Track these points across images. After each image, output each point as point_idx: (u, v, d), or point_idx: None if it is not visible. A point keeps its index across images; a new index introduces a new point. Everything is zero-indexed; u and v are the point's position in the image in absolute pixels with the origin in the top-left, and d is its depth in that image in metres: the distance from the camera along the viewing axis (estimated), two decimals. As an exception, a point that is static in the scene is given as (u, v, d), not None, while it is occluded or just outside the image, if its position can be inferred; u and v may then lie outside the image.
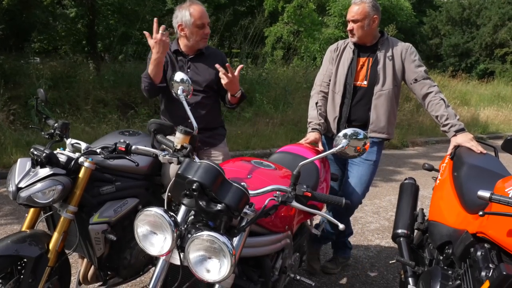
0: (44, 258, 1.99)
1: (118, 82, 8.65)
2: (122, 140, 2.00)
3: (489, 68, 23.88)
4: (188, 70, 2.75)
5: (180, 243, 1.51)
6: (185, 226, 1.56)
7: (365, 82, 2.90)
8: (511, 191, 1.62)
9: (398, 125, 9.70)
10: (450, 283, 1.77)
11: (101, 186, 2.18)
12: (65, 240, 2.08)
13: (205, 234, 1.40)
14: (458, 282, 1.72)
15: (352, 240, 3.59)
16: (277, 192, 1.64)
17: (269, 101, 9.72)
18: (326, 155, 1.72)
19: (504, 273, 1.40)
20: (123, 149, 1.97)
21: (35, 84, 7.47)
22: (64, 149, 2.14)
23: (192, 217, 1.59)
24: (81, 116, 7.25)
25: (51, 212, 2.14)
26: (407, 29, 20.99)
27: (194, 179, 1.46)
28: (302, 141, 2.87)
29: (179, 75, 2.16)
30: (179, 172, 1.52)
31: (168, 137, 2.02)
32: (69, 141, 2.20)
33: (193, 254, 1.44)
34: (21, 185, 1.92)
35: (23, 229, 2.10)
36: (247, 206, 1.57)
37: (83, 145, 2.15)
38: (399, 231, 2.42)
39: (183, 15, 2.65)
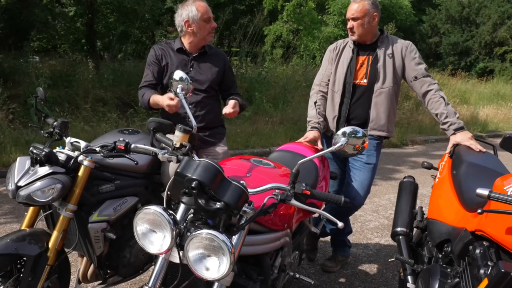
0: (44, 257, 2.00)
1: (117, 81, 8.65)
2: (121, 139, 2.00)
3: (488, 67, 23.87)
4: (191, 69, 2.76)
5: (180, 241, 1.51)
6: (185, 224, 1.56)
7: (365, 80, 2.90)
8: (509, 189, 1.63)
9: (398, 123, 9.71)
10: (449, 280, 1.78)
11: (101, 185, 2.18)
12: (65, 239, 2.08)
13: (204, 232, 1.40)
14: (457, 279, 1.72)
15: (351, 238, 3.60)
16: (276, 190, 1.64)
17: (268, 100, 9.72)
18: (325, 153, 1.72)
19: (503, 270, 1.40)
20: (123, 148, 1.97)
21: (34, 83, 7.47)
22: (63, 148, 2.14)
23: (192, 215, 1.59)
24: (81, 115, 7.24)
25: (50, 211, 2.14)
26: (407, 28, 20.99)
27: (193, 177, 1.46)
28: (302, 139, 2.87)
29: (178, 74, 2.16)
30: (178, 170, 1.52)
31: (167, 135, 2.02)
32: (68, 139, 2.20)
33: (192, 252, 1.44)
34: (21, 183, 1.92)
35: (23, 227, 2.10)
36: (246, 204, 1.57)
37: (83, 144, 2.15)
38: (398, 229, 2.42)
39: (190, 11, 2.66)
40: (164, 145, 1.96)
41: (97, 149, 2.01)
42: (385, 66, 2.85)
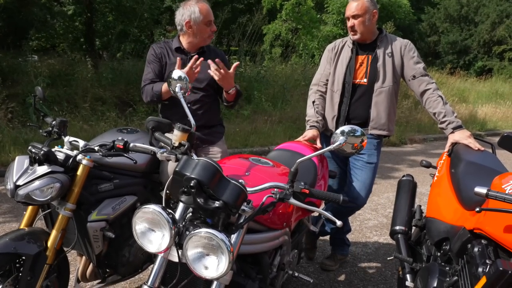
0: (43, 256, 2.00)
1: (116, 80, 8.64)
2: (120, 138, 2.00)
3: (487, 65, 23.91)
4: None
5: (178, 240, 1.51)
6: (183, 223, 1.57)
7: (365, 80, 2.89)
8: (508, 188, 1.63)
9: (397, 122, 9.68)
10: (448, 279, 1.78)
11: (99, 184, 2.18)
12: (64, 238, 2.08)
13: (203, 231, 1.40)
14: (455, 278, 1.73)
15: (350, 237, 3.60)
16: (275, 189, 1.65)
17: (267, 99, 9.72)
18: (323, 152, 1.72)
19: (501, 268, 1.40)
20: (121, 147, 1.97)
21: (33, 82, 7.47)
22: (62, 147, 2.14)
23: (190, 214, 1.59)
24: (79, 114, 7.24)
25: (49, 210, 2.14)
26: (405, 27, 21.00)
27: (192, 176, 1.46)
28: (300, 138, 2.87)
29: (177, 73, 2.15)
30: (177, 169, 1.52)
31: (166, 134, 2.02)
32: (67, 138, 2.20)
33: (191, 251, 1.44)
34: (19, 182, 1.92)
35: (21, 226, 2.10)
36: (245, 203, 1.57)
37: (81, 143, 2.15)
38: (397, 227, 2.43)
39: (192, 12, 2.64)
40: (163, 144, 1.96)
41: (96, 148, 2.01)
42: (384, 65, 2.85)
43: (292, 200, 1.62)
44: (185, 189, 1.49)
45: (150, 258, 2.46)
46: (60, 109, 7.24)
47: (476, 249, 1.63)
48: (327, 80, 3.03)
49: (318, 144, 2.87)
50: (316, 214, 2.79)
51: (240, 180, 1.53)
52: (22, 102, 7.16)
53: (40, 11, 10.18)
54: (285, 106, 9.71)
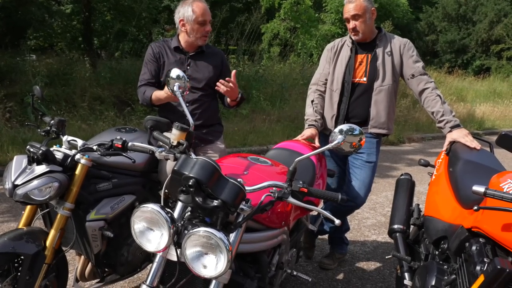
0: (41, 255, 1.99)
1: (114, 79, 8.63)
2: (118, 137, 2.00)
3: (485, 64, 23.94)
4: (188, 67, 2.75)
5: (177, 239, 1.51)
6: (182, 222, 1.57)
7: (364, 79, 2.89)
8: (505, 186, 1.64)
9: (395, 121, 9.71)
10: (446, 277, 1.78)
11: (98, 183, 2.18)
12: (62, 237, 2.08)
13: (202, 230, 1.41)
14: (453, 276, 1.73)
15: (348, 236, 3.61)
16: (274, 188, 1.65)
17: (266, 98, 9.72)
18: (322, 151, 1.73)
19: (499, 267, 1.41)
20: (120, 146, 1.97)
21: (31, 81, 7.45)
22: (60, 146, 2.14)
23: (189, 213, 1.60)
24: (78, 113, 7.23)
25: (48, 210, 2.14)
26: (404, 26, 21.00)
27: (191, 175, 1.46)
28: (299, 137, 2.87)
29: (175, 72, 2.15)
30: (175, 168, 1.52)
31: (164, 133, 2.02)
32: (65, 138, 2.20)
33: (190, 250, 1.45)
34: (18, 182, 1.92)
35: (20, 226, 2.10)
36: (244, 202, 1.57)
37: (80, 142, 2.15)
38: (395, 226, 2.43)
39: (185, 11, 2.65)
40: (161, 143, 1.96)
41: (94, 147, 2.01)
42: (384, 64, 2.85)
43: (291, 199, 1.62)
44: (184, 188, 1.49)
45: (149, 257, 2.46)
46: (58, 109, 7.23)
47: (474, 248, 1.63)
48: (326, 80, 3.03)
49: (317, 143, 2.87)
50: (314, 213, 2.80)
51: (238, 179, 1.54)
52: (20, 102, 7.14)
53: (38, 10, 10.16)
54: (283, 105, 9.71)
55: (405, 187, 2.67)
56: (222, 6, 14.11)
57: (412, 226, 2.55)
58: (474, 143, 2.46)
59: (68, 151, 2.10)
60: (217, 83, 2.53)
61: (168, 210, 1.50)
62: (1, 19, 9.77)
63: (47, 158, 1.95)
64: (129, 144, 1.98)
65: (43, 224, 2.25)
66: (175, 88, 2.11)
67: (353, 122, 2.83)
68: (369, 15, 2.78)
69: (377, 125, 2.93)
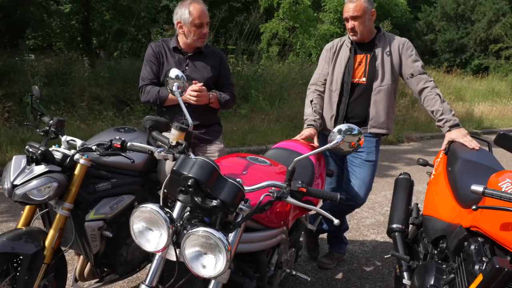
0: (40, 255, 1.99)
1: (113, 79, 8.61)
2: (117, 137, 2.00)
3: (483, 64, 23.95)
4: (186, 67, 2.75)
5: (176, 239, 1.52)
6: (181, 222, 1.57)
7: (364, 79, 2.89)
8: (504, 185, 1.64)
9: (394, 120, 9.75)
10: (444, 276, 1.79)
11: (97, 183, 2.18)
12: (61, 237, 2.08)
13: (201, 230, 1.41)
14: (452, 275, 1.74)
15: (347, 235, 3.61)
16: (273, 188, 1.65)
17: (264, 98, 9.72)
18: (321, 150, 1.73)
19: (497, 266, 1.41)
20: (119, 146, 1.97)
21: (30, 81, 7.43)
22: (59, 146, 2.14)
23: (188, 213, 1.60)
24: (77, 113, 7.22)
25: (47, 209, 2.14)
26: (402, 25, 21.02)
27: (190, 175, 1.46)
28: (298, 137, 2.87)
29: (174, 72, 2.15)
30: (174, 168, 1.53)
31: (163, 133, 2.02)
32: (64, 138, 2.20)
33: (189, 250, 1.45)
34: (17, 182, 1.92)
35: (19, 226, 2.10)
36: (243, 202, 1.57)
37: (79, 142, 2.15)
38: (394, 226, 2.43)
39: (183, 13, 2.64)
40: (160, 143, 1.96)
41: (93, 147, 2.01)
42: (383, 64, 2.85)
43: (290, 199, 1.63)
44: (183, 188, 1.49)
45: (148, 257, 2.46)
46: (57, 108, 7.22)
47: (472, 247, 1.64)
48: (325, 80, 3.03)
49: (316, 143, 2.88)
50: (313, 212, 2.80)
51: (237, 179, 1.54)
52: (19, 102, 7.13)
53: (36, 10, 10.13)
54: (282, 105, 9.71)
55: (404, 187, 2.67)
56: (221, 6, 14.11)
57: (411, 226, 2.56)
58: (473, 143, 2.47)
59: (67, 151, 2.10)
60: (187, 96, 2.57)
61: (167, 210, 1.50)
62: (0, 19, 9.76)
63: (46, 158, 1.95)
64: (128, 144, 1.98)
65: (42, 224, 2.24)
66: (174, 88, 2.11)
67: (352, 122, 2.83)
68: (369, 16, 2.78)
69: (376, 125, 2.93)
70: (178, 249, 1.51)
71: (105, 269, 2.36)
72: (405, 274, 2.22)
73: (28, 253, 1.95)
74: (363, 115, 2.94)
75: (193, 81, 2.62)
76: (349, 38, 2.93)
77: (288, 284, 3.01)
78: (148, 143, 1.98)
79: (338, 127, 1.69)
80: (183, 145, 1.83)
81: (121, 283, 2.89)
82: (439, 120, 2.70)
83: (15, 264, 1.99)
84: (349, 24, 2.81)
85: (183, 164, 1.52)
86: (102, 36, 12.76)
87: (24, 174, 1.94)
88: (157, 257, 1.60)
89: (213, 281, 1.55)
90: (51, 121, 2.23)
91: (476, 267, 1.54)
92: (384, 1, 17.66)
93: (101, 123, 7.03)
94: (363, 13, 2.75)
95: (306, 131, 2.89)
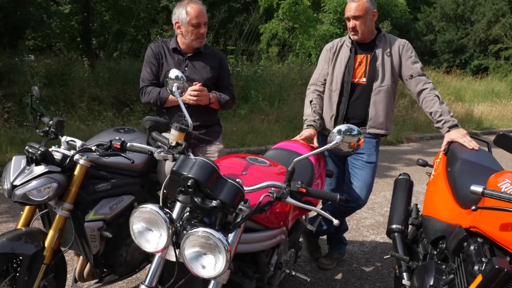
0: (40, 256, 2.00)
1: (113, 80, 8.61)
2: (117, 138, 2.00)
3: (483, 64, 23.96)
4: (186, 68, 2.75)
5: (176, 240, 1.52)
6: (181, 222, 1.57)
7: (364, 79, 2.89)
8: (503, 186, 1.64)
9: (393, 121, 9.75)
10: (444, 277, 1.79)
11: (97, 184, 2.18)
12: (61, 238, 2.08)
13: (201, 230, 1.41)
14: (452, 276, 1.74)
15: (347, 236, 3.61)
16: (272, 188, 1.65)
17: (264, 98, 9.72)
18: (320, 151, 1.73)
19: (496, 266, 1.41)
20: (118, 146, 1.97)
21: (30, 81, 7.43)
22: (59, 147, 2.14)
23: (188, 213, 1.60)
24: (76, 114, 7.22)
25: (46, 210, 2.14)
26: (402, 26, 21.03)
27: (189, 175, 1.46)
28: (297, 137, 2.87)
29: (173, 72, 2.16)
30: (174, 169, 1.53)
31: (163, 134, 2.02)
32: (64, 138, 2.20)
33: (189, 250, 1.45)
34: (16, 182, 1.92)
35: (19, 226, 2.10)
36: (242, 203, 1.57)
37: (78, 143, 2.15)
38: (394, 226, 2.43)
39: (180, 13, 2.65)
40: (160, 144, 1.96)
41: (93, 148, 2.01)
42: (383, 64, 2.86)
43: (289, 199, 1.63)
44: (183, 189, 1.49)
45: (148, 257, 2.46)
46: (57, 109, 7.22)
47: (472, 247, 1.64)
48: (325, 80, 3.03)
49: (315, 143, 2.88)
50: (314, 213, 2.80)
51: (237, 180, 1.54)
52: (19, 102, 7.13)
53: (36, 11, 10.15)
54: (282, 105, 9.71)
55: (404, 187, 2.67)
56: (220, 6, 14.12)
57: (410, 226, 2.56)
58: (472, 143, 2.47)
59: (67, 152, 2.10)
60: (188, 97, 2.58)
61: (167, 210, 1.50)
62: (0, 20, 9.76)
63: (45, 158, 1.95)
64: (128, 144, 1.98)
65: (42, 224, 2.24)
66: (174, 89, 2.12)
67: (352, 123, 2.85)
68: (370, 16, 2.78)
69: (375, 126, 2.93)
70: (178, 250, 1.51)
71: (105, 270, 2.36)
72: (404, 274, 2.22)
73: (28, 253, 1.95)
74: (362, 115, 2.94)
75: (194, 83, 2.62)
76: (350, 38, 2.93)
77: (287, 285, 3.01)
78: (148, 144, 1.98)
79: (337, 127, 1.69)
80: (183, 146, 1.83)
81: (121, 283, 2.88)
82: (438, 121, 2.70)
83: (14, 265, 1.99)
84: (351, 24, 2.81)
85: (183, 164, 1.52)
86: (102, 37, 12.77)
87: (24, 175, 1.94)
88: (156, 257, 1.60)
89: (212, 282, 1.55)
90: (50, 122, 2.24)
91: (476, 267, 1.54)
92: (383, 1, 17.66)
93: (100, 123, 7.03)
94: (365, 13, 2.75)
95: (306, 132, 2.90)
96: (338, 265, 3.41)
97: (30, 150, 1.96)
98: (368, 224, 4.39)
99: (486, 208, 1.57)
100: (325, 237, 3.48)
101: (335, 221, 1.61)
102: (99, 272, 2.33)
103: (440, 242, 2.03)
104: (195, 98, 2.59)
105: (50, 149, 2.04)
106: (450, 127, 2.62)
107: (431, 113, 2.74)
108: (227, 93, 2.87)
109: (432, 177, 2.52)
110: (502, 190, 1.59)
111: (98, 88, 8.14)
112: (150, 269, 1.59)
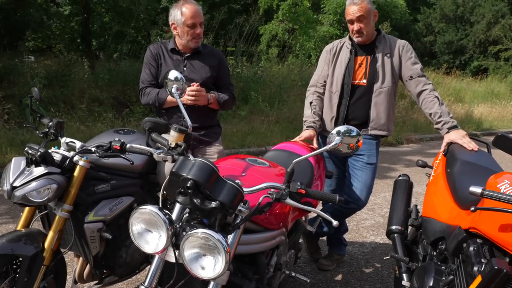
0: (40, 257, 1.99)
1: (113, 81, 8.62)
2: (117, 139, 2.00)
3: (483, 65, 23.97)
4: (184, 68, 2.75)
5: (175, 241, 1.52)
6: (180, 223, 1.57)
7: (364, 81, 2.89)
8: (502, 187, 1.64)
9: (393, 122, 9.75)
10: (443, 278, 1.79)
11: (96, 185, 2.18)
12: (61, 239, 2.08)
13: (200, 231, 1.41)
14: (451, 277, 1.74)
15: (347, 237, 3.61)
16: (272, 190, 1.65)
17: (264, 99, 9.73)
18: (320, 152, 1.73)
19: (496, 267, 1.41)
20: (118, 148, 1.97)
21: (30, 83, 7.43)
22: (59, 148, 2.14)
23: (187, 214, 1.60)
24: (76, 115, 7.22)
25: (46, 211, 2.14)
26: (402, 27, 21.04)
27: (189, 177, 1.46)
28: (297, 138, 2.87)
29: (173, 73, 2.16)
30: (173, 170, 1.53)
31: (162, 135, 2.02)
32: (64, 139, 2.20)
33: (188, 251, 1.45)
34: (16, 184, 1.92)
35: (18, 228, 2.10)
36: (242, 204, 1.58)
37: (78, 144, 2.15)
38: (393, 227, 2.44)
39: (176, 14, 2.65)
40: (159, 145, 1.96)
41: (93, 149, 2.01)
42: (384, 65, 2.86)
43: (289, 200, 1.63)
44: (182, 190, 1.49)
45: (147, 258, 2.46)
46: (56, 110, 7.22)
47: (471, 248, 1.64)
48: (325, 81, 3.03)
49: (315, 145, 2.88)
50: (314, 214, 2.80)
51: (236, 181, 1.54)
52: (19, 103, 7.13)
53: (36, 12, 10.15)
54: (282, 107, 9.72)
55: (403, 188, 2.67)
56: (220, 8, 14.13)
57: (410, 227, 2.56)
58: (471, 145, 2.47)
59: (66, 153, 2.10)
60: (186, 98, 2.57)
61: (166, 211, 1.51)
62: (0, 21, 9.77)
63: (45, 159, 1.95)
64: (128, 145, 1.98)
65: (42, 225, 2.24)
66: (173, 90, 2.12)
67: (352, 124, 2.83)
68: (372, 16, 2.79)
69: (377, 127, 2.93)
70: (177, 251, 1.51)
71: (105, 271, 2.36)
72: (404, 275, 2.22)
73: (28, 254, 1.95)
74: (363, 117, 2.94)
75: (192, 83, 2.62)
76: (350, 39, 2.93)
77: (287, 286, 3.01)
78: (148, 145, 1.98)
79: (336, 128, 1.69)
80: (182, 147, 1.83)
81: (121, 284, 2.88)
82: (438, 122, 2.70)
83: (14, 266, 1.99)
84: (355, 26, 2.78)
85: (182, 165, 1.52)
86: (102, 38, 12.79)
87: (24, 176, 1.94)
88: (156, 258, 1.60)
89: (212, 283, 1.55)
90: (50, 123, 2.24)
91: (475, 268, 1.54)
92: (383, 2, 17.68)
93: (100, 124, 7.03)
94: (368, 14, 2.74)
95: (305, 133, 2.90)
96: (338, 266, 3.41)
97: (30, 151, 1.96)
98: (368, 225, 4.38)
99: (485, 209, 1.57)
100: (325, 238, 3.48)
101: (334, 222, 1.61)
102: (99, 273, 2.33)
103: (440, 243, 2.03)
104: (193, 98, 2.59)
105: (49, 150, 2.04)
106: (450, 128, 2.62)
107: (430, 114, 2.74)
108: (227, 92, 2.87)
109: (431, 178, 2.52)
110: (501, 191, 1.59)
111: (98, 89, 8.15)
112: (150, 270, 1.59)
